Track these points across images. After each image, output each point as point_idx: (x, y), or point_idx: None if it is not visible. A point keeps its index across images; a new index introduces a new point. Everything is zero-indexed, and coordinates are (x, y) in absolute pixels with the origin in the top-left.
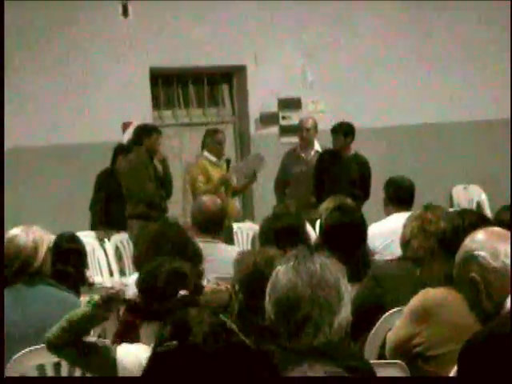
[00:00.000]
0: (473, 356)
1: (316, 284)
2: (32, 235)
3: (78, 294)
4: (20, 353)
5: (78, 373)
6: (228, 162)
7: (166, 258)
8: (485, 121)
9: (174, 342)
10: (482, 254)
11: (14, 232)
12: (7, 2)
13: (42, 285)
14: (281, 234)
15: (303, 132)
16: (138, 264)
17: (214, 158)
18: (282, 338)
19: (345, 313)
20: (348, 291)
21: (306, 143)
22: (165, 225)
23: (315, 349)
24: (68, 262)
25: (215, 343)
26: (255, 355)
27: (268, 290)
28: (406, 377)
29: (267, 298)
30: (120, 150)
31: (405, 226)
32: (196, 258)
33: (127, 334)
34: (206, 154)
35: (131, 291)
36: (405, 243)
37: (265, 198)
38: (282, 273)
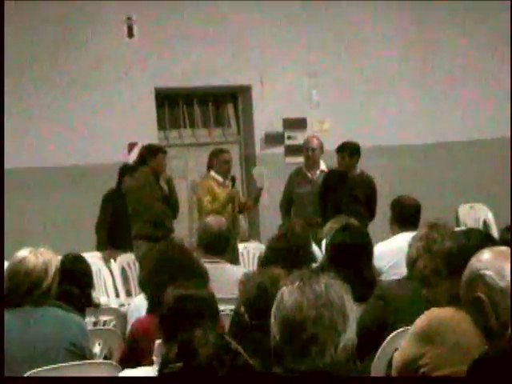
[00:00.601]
0: (479, 376)
1: (321, 305)
2: (41, 257)
3: (83, 314)
4: (26, 374)
5: None
6: (233, 179)
7: (191, 284)
8: (491, 139)
9: (179, 364)
10: (489, 273)
11: (23, 254)
12: (15, 23)
13: (48, 306)
14: (284, 253)
15: (309, 152)
16: (143, 286)
17: (220, 178)
18: (287, 359)
19: (350, 333)
20: (353, 312)
21: (312, 163)
22: (169, 246)
23: (321, 370)
24: (73, 282)
25: (220, 365)
26: (260, 377)
27: (273, 310)
28: (407, 377)
29: (272, 318)
30: (125, 171)
31: (410, 246)
32: (202, 278)
33: (133, 354)
34: (212, 173)
35: (137, 313)
36: (410, 263)
37: (270, 218)
38: (288, 293)
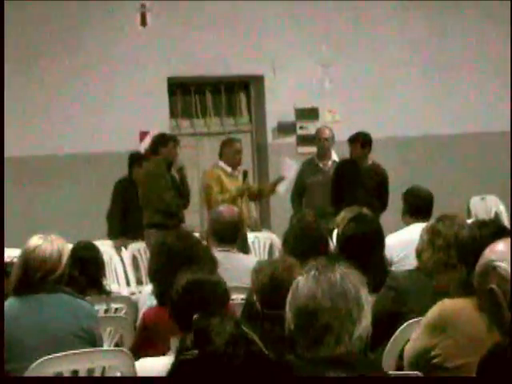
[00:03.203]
0: (491, 367)
1: (336, 294)
2: (55, 244)
3: (84, 298)
4: (38, 361)
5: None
6: (245, 174)
7: (200, 272)
8: (502, 132)
9: (195, 351)
10: (502, 264)
11: (37, 241)
12: (27, 8)
13: (60, 293)
14: (298, 243)
15: (321, 142)
16: (153, 278)
17: (228, 169)
18: (302, 348)
19: (365, 323)
20: (368, 302)
21: (324, 153)
22: (177, 237)
23: (336, 359)
24: (85, 270)
25: (235, 353)
26: (274, 365)
27: (288, 299)
28: (419, 377)
29: (287, 307)
30: (135, 159)
31: (420, 237)
32: (210, 265)
33: (144, 343)
34: (220, 163)
35: (148, 302)
36: (418, 255)
37: (282, 208)
38: (303, 283)
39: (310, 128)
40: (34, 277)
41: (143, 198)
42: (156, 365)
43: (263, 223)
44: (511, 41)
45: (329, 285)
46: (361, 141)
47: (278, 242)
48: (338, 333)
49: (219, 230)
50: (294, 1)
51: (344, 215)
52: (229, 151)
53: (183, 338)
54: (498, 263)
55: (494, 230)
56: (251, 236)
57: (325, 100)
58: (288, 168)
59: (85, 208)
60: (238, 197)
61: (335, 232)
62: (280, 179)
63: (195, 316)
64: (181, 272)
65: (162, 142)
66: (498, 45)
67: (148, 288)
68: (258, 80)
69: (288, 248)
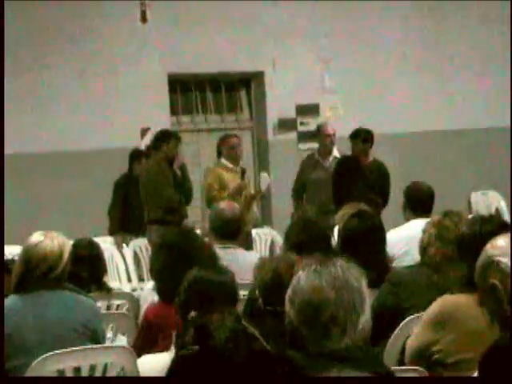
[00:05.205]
0: (493, 362)
1: (339, 286)
2: (56, 241)
3: (91, 297)
4: (40, 358)
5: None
6: (243, 171)
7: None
8: (504, 127)
9: (196, 347)
10: (504, 260)
11: (38, 237)
12: (29, 6)
13: (62, 290)
14: (300, 240)
15: (326, 138)
16: (155, 276)
17: (230, 165)
18: (308, 342)
19: (367, 314)
20: (368, 294)
21: (329, 149)
22: (179, 234)
23: (339, 354)
24: (86, 267)
25: (236, 348)
26: (276, 361)
27: (289, 295)
28: (424, 377)
29: (288, 303)
30: (136, 156)
31: (424, 232)
32: (212, 263)
33: (147, 339)
34: (222, 160)
35: (150, 298)
36: (422, 249)
37: (283, 204)
38: (304, 277)
39: (311, 124)
40: (35, 274)
41: (144, 194)
42: (157, 361)
43: (264, 220)
44: (511, 34)
45: (331, 277)
46: (362, 137)
47: (279, 238)
48: (343, 324)
49: (220, 227)
50: None
51: (344, 212)
52: (225, 148)
53: (184, 333)
54: (500, 258)
55: (494, 225)
56: (252, 232)
57: (325, 96)
58: (263, 182)
59: (86, 205)
60: (236, 195)
61: (336, 228)
62: (257, 193)
63: (195, 312)
64: (182, 269)
65: (164, 138)
66: (497, 40)
67: (150, 284)
68: (259, 76)
69: (290, 244)
